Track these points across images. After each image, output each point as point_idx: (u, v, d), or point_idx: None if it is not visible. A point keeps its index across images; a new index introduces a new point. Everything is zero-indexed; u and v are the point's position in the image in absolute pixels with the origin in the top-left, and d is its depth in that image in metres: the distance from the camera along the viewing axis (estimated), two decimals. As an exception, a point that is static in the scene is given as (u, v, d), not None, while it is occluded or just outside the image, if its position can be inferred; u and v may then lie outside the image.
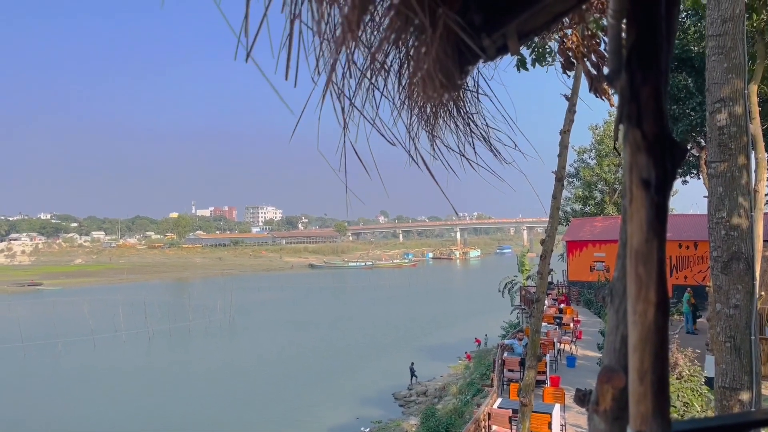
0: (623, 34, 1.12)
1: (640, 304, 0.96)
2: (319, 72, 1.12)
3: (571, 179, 48.20)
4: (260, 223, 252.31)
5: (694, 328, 24.44)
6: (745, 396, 6.58)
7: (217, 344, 49.16)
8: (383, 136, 1.31)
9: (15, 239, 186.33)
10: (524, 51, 7.26)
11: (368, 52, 1.08)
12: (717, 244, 6.64)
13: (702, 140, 22.81)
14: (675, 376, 14.74)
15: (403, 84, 1.20)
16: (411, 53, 1.08)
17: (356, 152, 1.28)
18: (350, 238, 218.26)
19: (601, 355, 19.54)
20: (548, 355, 19.38)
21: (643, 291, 0.96)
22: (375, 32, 1.08)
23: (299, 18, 1.03)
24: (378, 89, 1.20)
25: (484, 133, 1.61)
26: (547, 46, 7.20)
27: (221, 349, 46.84)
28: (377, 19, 1.04)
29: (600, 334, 24.56)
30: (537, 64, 7.89)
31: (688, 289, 26.40)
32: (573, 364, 21.00)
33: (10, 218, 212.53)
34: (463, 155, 1.53)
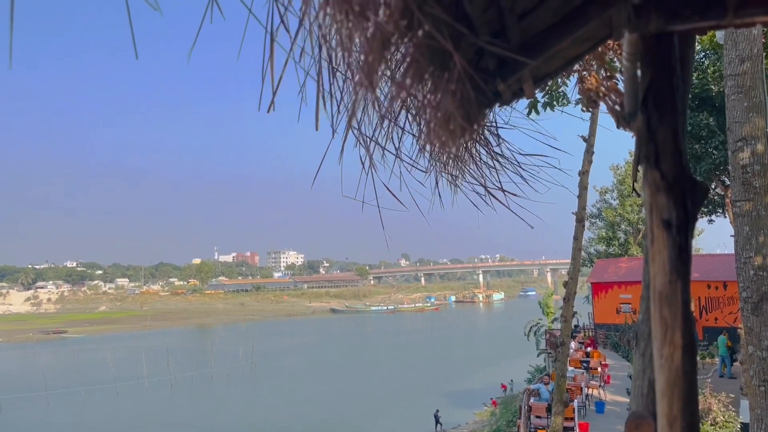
0: (639, 76, 1.13)
1: (666, 348, 0.93)
2: (340, 111, 1.14)
3: (594, 220, 47.81)
4: (282, 268, 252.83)
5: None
6: (783, 443, 6.32)
7: (239, 391, 48.75)
8: (411, 162, 1.33)
9: (41, 287, 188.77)
10: (537, 95, 7.32)
11: (386, 98, 1.10)
12: (746, 285, 6.49)
13: (726, 179, 22.56)
14: (709, 422, 14.25)
15: (422, 127, 1.21)
16: (428, 98, 1.10)
17: (390, 191, 1.29)
18: (372, 281, 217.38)
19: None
20: (576, 400, 18.88)
21: (668, 334, 0.94)
22: (393, 79, 1.10)
23: (320, 65, 1.05)
24: (399, 128, 1.22)
25: (509, 169, 1.61)
26: (560, 90, 7.24)
27: (243, 396, 46.42)
28: (394, 66, 1.07)
29: (629, 379, 23.89)
30: (548, 108, 7.93)
31: (724, 331, 25.61)
32: (602, 410, 20.41)
33: (37, 267, 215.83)
34: (488, 188, 1.53)
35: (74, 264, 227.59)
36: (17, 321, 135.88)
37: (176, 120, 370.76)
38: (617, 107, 1.35)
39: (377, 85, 1.00)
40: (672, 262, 0.96)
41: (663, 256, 0.97)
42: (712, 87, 20.27)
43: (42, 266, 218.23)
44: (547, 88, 7.51)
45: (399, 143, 1.25)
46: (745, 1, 0.93)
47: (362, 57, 0.90)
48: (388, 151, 1.23)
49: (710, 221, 30.83)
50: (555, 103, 7.99)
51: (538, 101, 7.84)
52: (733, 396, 16.10)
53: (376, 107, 1.07)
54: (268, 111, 1.05)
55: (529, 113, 7.59)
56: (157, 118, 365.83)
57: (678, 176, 0.99)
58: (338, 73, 1.03)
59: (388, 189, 1.24)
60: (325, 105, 0.99)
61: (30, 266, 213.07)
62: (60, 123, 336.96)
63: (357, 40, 0.88)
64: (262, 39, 1.05)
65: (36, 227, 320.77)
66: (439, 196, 1.53)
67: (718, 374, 23.33)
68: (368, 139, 1.15)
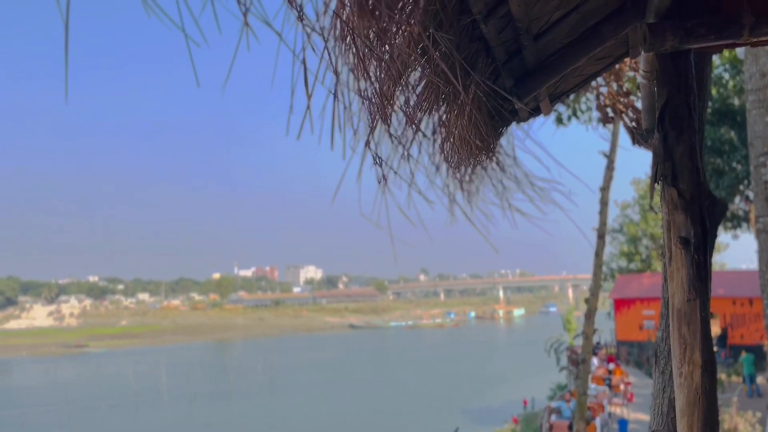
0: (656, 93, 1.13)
1: (686, 366, 0.93)
2: (357, 138, 1.16)
3: (615, 234, 47.26)
4: (301, 283, 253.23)
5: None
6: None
7: (258, 406, 48.73)
8: (427, 181, 1.34)
9: (64, 301, 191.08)
10: (561, 108, 7.32)
11: (403, 120, 1.11)
12: (771, 301, 6.38)
13: (750, 194, 22.21)
14: (736, 441, 13.93)
15: (436, 147, 1.22)
16: (444, 119, 1.11)
17: (402, 212, 1.30)
18: (390, 296, 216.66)
19: (654, 418, 18.48)
20: (598, 418, 18.58)
21: (687, 352, 0.93)
22: (409, 100, 1.11)
23: (338, 90, 1.07)
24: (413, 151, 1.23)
25: (525, 189, 1.61)
26: (583, 103, 7.23)
27: (262, 411, 46.39)
28: (411, 87, 1.08)
29: (652, 397, 23.43)
30: (574, 118, 7.94)
31: (743, 350, 25.09)
32: (625, 428, 20.02)
33: (60, 281, 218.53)
34: (508, 205, 1.54)
35: (96, 279, 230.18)
36: (40, 335, 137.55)
37: (198, 135, 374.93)
38: (633, 124, 1.35)
39: (393, 108, 1.02)
40: (690, 280, 0.96)
41: (681, 274, 0.97)
42: (734, 101, 20.02)
43: (65, 281, 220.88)
44: (570, 102, 7.53)
45: (416, 163, 1.26)
46: (760, 20, 0.93)
47: (378, 82, 0.92)
48: (401, 177, 1.24)
49: (735, 236, 30.32)
50: (577, 116, 8.01)
51: (562, 114, 7.87)
52: (760, 414, 15.74)
53: (392, 129, 1.09)
54: (298, 138, 1.08)
55: (557, 125, 7.64)
56: (179, 133, 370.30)
57: (695, 194, 0.99)
58: (356, 96, 1.05)
59: (401, 210, 1.25)
60: (340, 127, 1.01)
61: (53, 281, 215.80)
62: (81, 139, 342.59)
63: (374, 65, 0.90)
64: (290, 62, 1.08)
65: (59, 242, 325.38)
66: (459, 210, 1.54)
67: (747, 395, 22.74)
68: (382, 161, 1.17)
